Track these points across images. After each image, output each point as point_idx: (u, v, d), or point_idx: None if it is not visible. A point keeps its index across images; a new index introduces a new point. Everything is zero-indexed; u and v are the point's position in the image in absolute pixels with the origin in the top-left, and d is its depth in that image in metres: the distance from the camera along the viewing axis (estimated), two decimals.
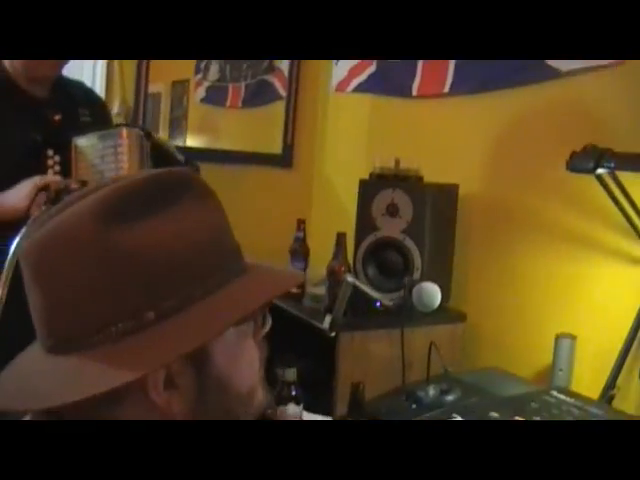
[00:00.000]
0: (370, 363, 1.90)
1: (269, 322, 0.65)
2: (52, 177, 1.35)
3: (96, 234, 0.52)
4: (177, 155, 1.65)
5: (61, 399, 0.50)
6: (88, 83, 2.89)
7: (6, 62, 1.46)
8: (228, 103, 3.01)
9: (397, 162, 2.04)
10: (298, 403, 1.67)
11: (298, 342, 2.28)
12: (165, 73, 3.15)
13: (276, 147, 2.86)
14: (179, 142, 3.12)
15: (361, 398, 1.42)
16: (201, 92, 3.09)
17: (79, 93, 1.68)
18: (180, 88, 3.15)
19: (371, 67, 2.43)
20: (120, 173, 1.38)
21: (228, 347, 0.58)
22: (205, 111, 3.13)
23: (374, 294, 1.76)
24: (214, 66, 3.00)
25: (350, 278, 1.93)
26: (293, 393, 1.67)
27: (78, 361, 0.51)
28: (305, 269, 2.33)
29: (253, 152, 2.93)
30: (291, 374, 1.69)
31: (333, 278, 2.04)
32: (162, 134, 3.17)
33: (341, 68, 2.56)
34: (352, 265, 2.11)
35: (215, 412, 0.59)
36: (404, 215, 1.96)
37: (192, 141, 3.17)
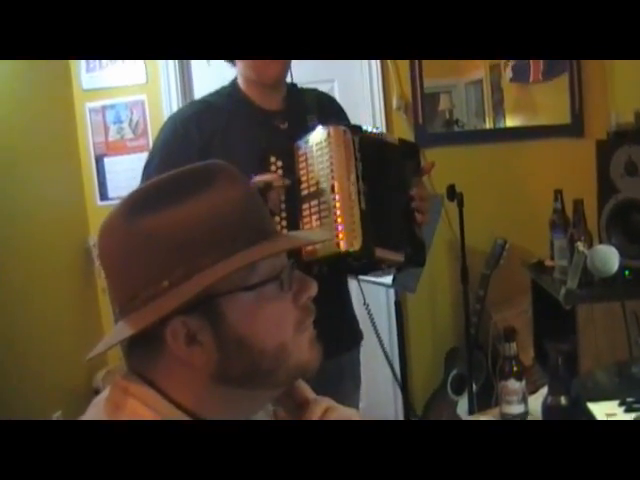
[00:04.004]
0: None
1: (310, 286, 0.71)
2: (260, 176, 1.42)
3: (120, 223, 0.67)
4: (391, 141, 1.61)
5: (97, 350, 0.66)
6: (363, 79, 2.99)
7: (241, 83, 1.64)
8: (531, 78, 3.01)
9: (637, 115, 1.84)
10: (519, 379, 1.64)
11: (549, 317, 2.19)
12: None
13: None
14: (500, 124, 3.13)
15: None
16: (509, 72, 3.11)
17: (311, 100, 1.70)
18: (496, 71, 3.17)
19: None
20: (331, 169, 1.45)
21: (243, 306, 0.66)
22: (516, 89, 3.11)
23: None
24: None
25: (581, 247, 1.81)
26: (514, 369, 1.64)
27: (121, 323, 0.67)
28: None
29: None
30: (511, 349, 1.66)
31: (572, 248, 1.93)
32: (487, 119, 3.17)
33: None
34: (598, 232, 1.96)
35: (239, 365, 0.67)
36: None
37: (511, 121, 3.14)
